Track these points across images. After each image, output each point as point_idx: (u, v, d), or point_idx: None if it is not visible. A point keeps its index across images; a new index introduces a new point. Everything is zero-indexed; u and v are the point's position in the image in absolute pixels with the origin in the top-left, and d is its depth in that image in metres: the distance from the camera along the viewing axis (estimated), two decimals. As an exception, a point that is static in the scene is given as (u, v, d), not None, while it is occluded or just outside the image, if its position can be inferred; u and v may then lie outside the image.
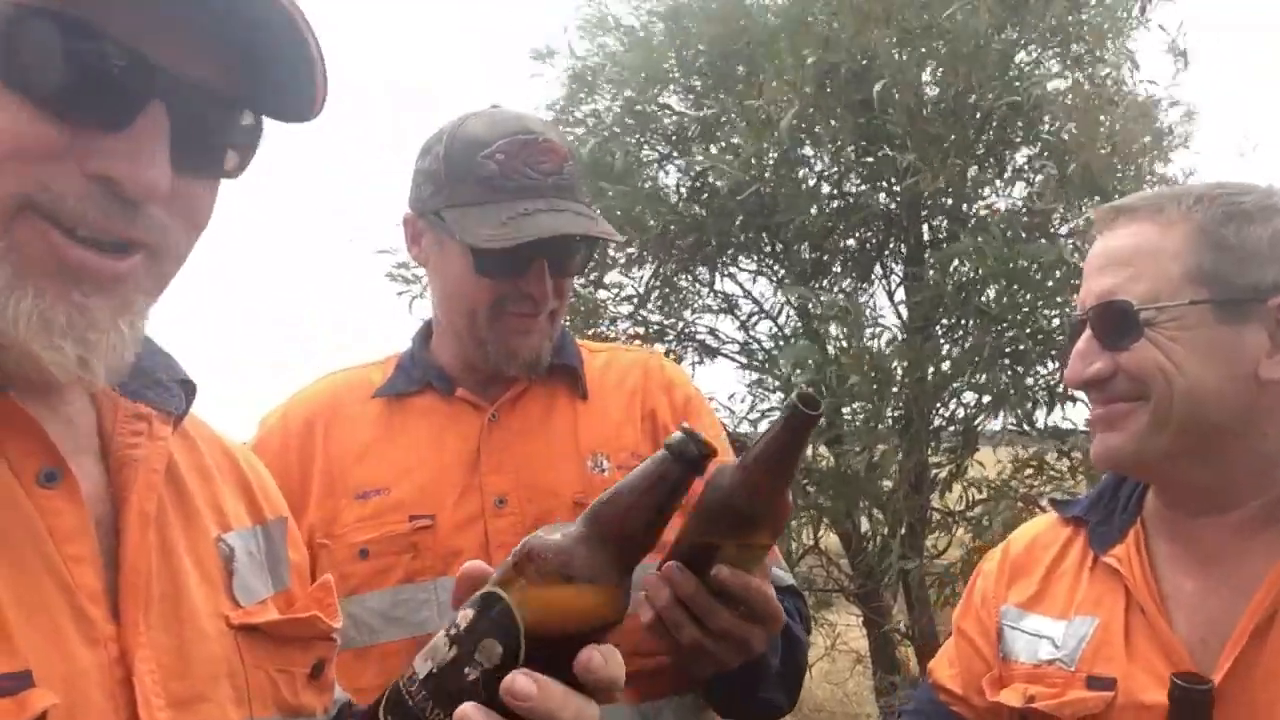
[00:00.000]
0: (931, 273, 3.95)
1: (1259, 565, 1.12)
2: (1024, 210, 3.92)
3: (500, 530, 1.44)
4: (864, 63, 3.80)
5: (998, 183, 4.25)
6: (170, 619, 0.79)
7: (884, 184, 4.13)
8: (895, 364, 3.92)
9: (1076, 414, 4.00)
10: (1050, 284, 3.75)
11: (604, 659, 0.75)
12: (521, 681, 0.71)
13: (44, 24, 0.67)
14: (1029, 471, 4.36)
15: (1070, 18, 3.93)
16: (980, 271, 3.72)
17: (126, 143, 0.69)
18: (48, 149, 0.67)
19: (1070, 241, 3.89)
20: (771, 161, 3.99)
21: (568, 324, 2.03)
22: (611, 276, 4.60)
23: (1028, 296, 3.83)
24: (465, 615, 0.75)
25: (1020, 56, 4.09)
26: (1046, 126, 3.89)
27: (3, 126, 0.67)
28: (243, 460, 1.00)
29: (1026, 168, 4.17)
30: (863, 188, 4.24)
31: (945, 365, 4.08)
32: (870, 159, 3.93)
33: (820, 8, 3.95)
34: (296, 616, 0.91)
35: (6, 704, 0.64)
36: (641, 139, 4.44)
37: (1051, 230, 4.05)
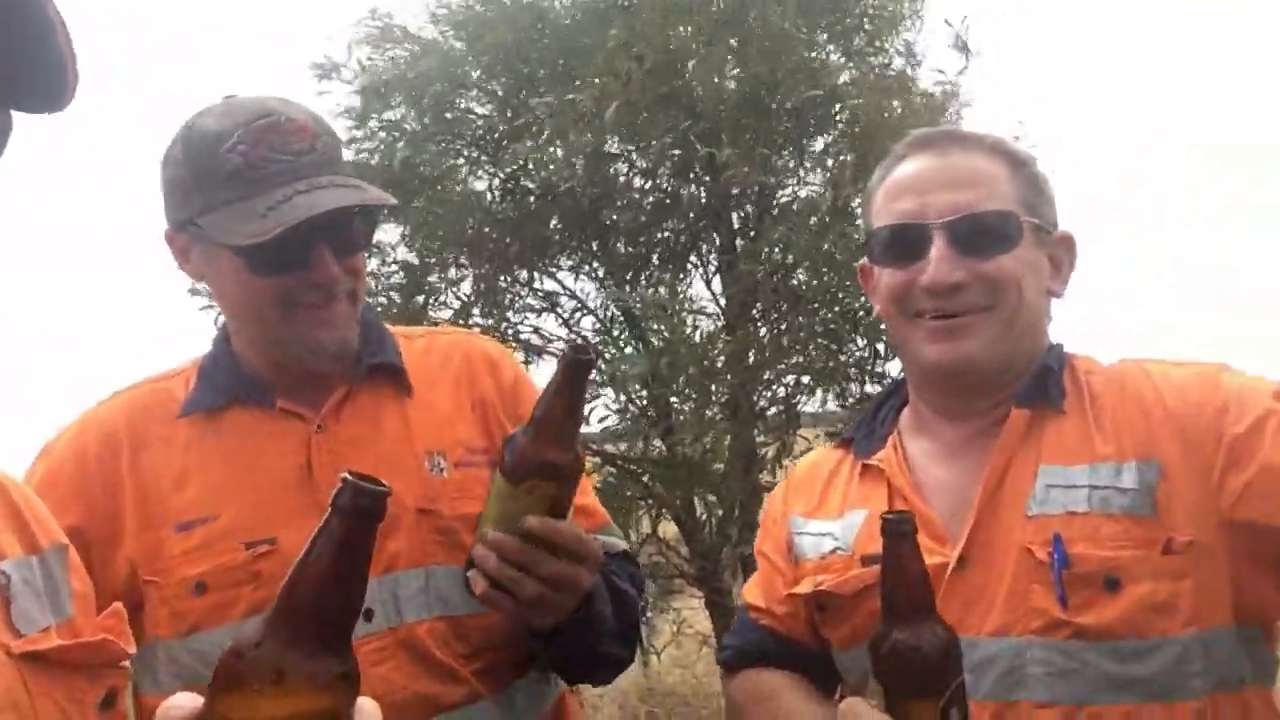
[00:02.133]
0: (743, 262, 4.09)
1: (990, 452, 1.30)
2: (825, 196, 4.11)
3: None
4: (669, 55, 3.88)
5: (800, 171, 4.44)
6: None
7: (695, 177, 4.24)
8: (717, 352, 4.05)
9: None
10: (856, 265, 3.95)
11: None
12: None
13: None
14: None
15: (853, 10, 4.15)
16: (790, 258, 3.87)
17: None
18: None
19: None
20: (583, 160, 4.03)
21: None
22: (430, 278, 4.53)
23: (836, 279, 4.02)
24: None
25: (815, 51, 4.28)
26: (841, 116, 4.08)
27: None
28: (13, 489, 0.95)
29: (826, 156, 4.37)
30: (674, 182, 4.34)
31: (765, 350, 4.23)
32: (677, 152, 4.02)
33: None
34: (85, 641, 0.87)
35: None
36: (448, 145, 4.40)
37: (853, 214, 4.27)
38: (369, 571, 0.73)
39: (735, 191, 4.19)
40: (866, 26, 4.15)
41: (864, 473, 1.40)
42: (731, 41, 4.00)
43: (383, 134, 4.30)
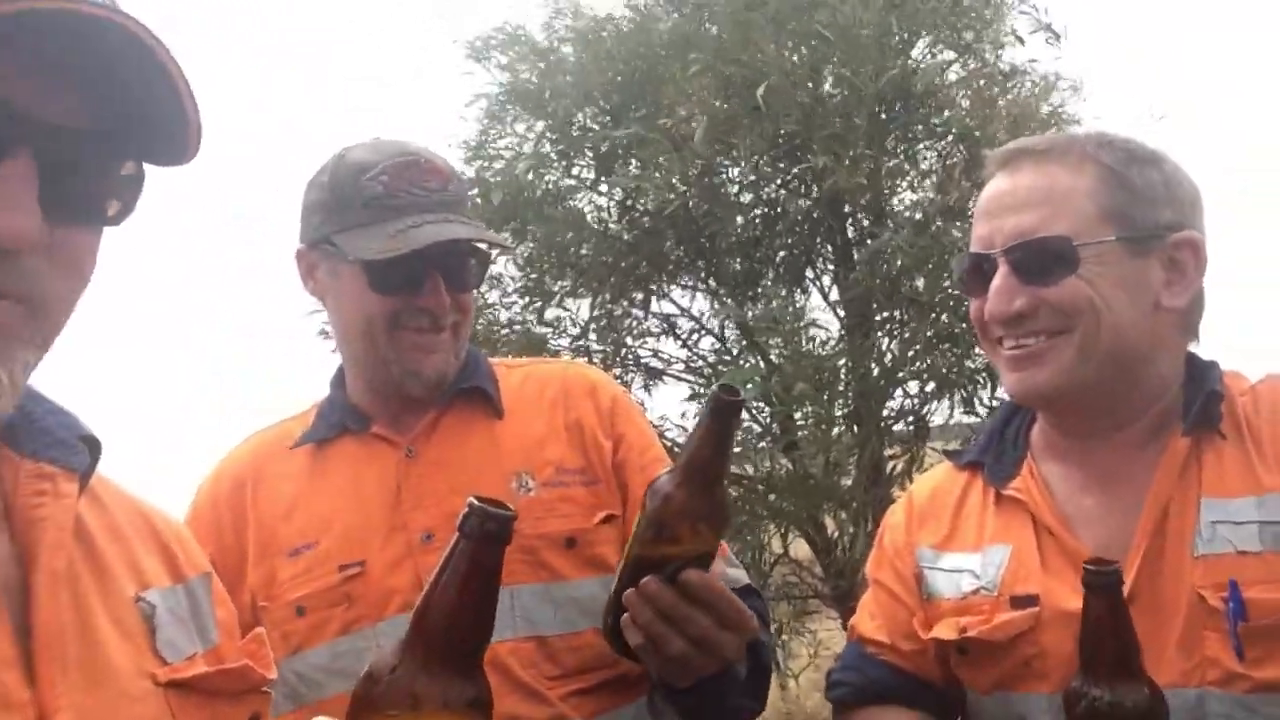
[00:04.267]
0: (856, 271, 4.01)
1: (1147, 476, 1.20)
2: (937, 198, 4.01)
3: (431, 566, 1.41)
4: (759, 69, 3.85)
5: (911, 175, 4.33)
6: (89, 680, 0.77)
7: (803, 188, 4.19)
8: (839, 364, 3.97)
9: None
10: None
11: None
12: None
13: None
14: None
15: (952, 4, 4.04)
16: (900, 262, 3.77)
17: None
18: None
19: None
20: (693, 176, 4.03)
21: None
22: (550, 312, 4.60)
23: (947, 277, 3.90)
24: None
25: (916, 50, 4.19)
26: (945, 114, 3.98)
27: None
28: (158, 519, 0.98)
29: (934, 157, 4.26)
30: (783, 194, 4.30)
31: (887, 358, 4.13)
32: (782, 164, 3.99)
33: (706, 20, 4.01)
34: (227, 668, 0.89)
35: None
36: (566, 164, 4.46)
37: (968, 214, 4.15)
38: (496, 596, 0.74)
39: (846, 200, 4.11)
40: (973, 21, 4.02)
41: (1000, 502, 1.30)
42: (814, 48, 3.94)
43: (507, 152, 4.40)
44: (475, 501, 0.74)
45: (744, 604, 1.24)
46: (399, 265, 1.40)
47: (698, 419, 1.20)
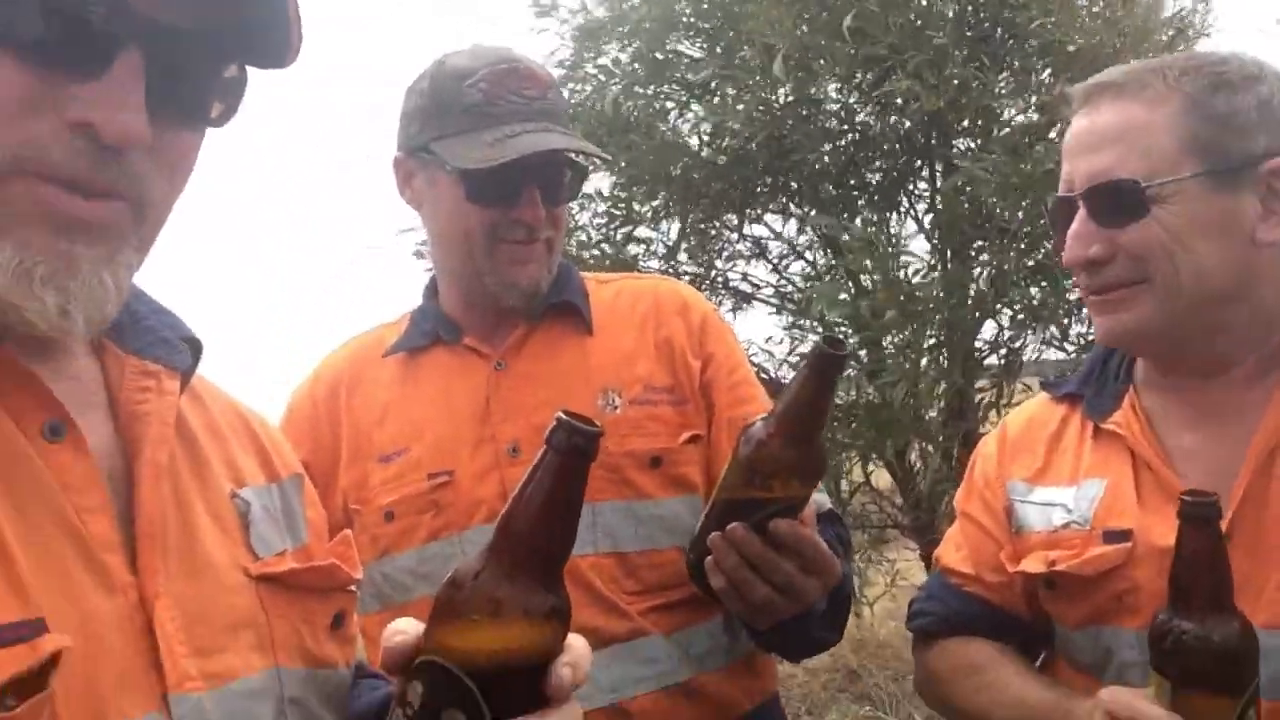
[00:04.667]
0: (939, 196, 3.89)
1: (1256, 413, 1.16)
2: (1040, 120, 3.83)
3: (517, 479, 1.43)
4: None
5: (1020, 98, 4.15)
6: (188, 569, 0.80)
7: (893, 112, 4.06)
8: (931, 292, 3.87)
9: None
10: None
11: (572, 671, 0.74)
12: None
13: None
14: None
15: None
16: (989, 191, 3.63)
17: (103, 89, 0.69)
18: (27, 101, 0.68)
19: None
20: (787, 101, 3.93)
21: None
22: (640, 231, 4.58)
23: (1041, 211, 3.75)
24: (415, 690, 0.72)
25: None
26: (1053, 29, 3.77)
27: None
28: (254, 421, 1.02)
29: (1046, 76, 4.06)
30: (876, 119, 4.16)
31: (974, 289, 4.01)
32: (870, 89, 3.85)
33: None
34: (315, 565, 0.93)
35: (21, 650, 0.66)
36: (658, 89, 4.39)
37: (1054, 134, 3.96)
38: (579, 510, 0.76)
39: (947, 123, 3.97)
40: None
41: (1098, 436, 1.28)
42: None
43: (597, 77, 4.35)
44: (563, 415, 0.75)
45: (829, 549, 1.24)
46: (496, 176, 1.41)
47: (799, 366, 1.18)
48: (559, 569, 0.75)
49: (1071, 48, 3.71)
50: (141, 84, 0.70)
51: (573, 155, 1.50)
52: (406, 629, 0.77)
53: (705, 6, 4.11)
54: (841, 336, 1.14)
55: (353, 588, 0.97)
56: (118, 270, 0.74)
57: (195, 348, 0.91)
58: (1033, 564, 1.27)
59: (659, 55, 4.27)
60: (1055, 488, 1.29)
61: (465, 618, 0.72)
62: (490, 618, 0.71)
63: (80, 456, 0.76)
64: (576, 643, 0.76)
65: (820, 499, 1.50)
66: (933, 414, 4.28)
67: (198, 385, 0.94)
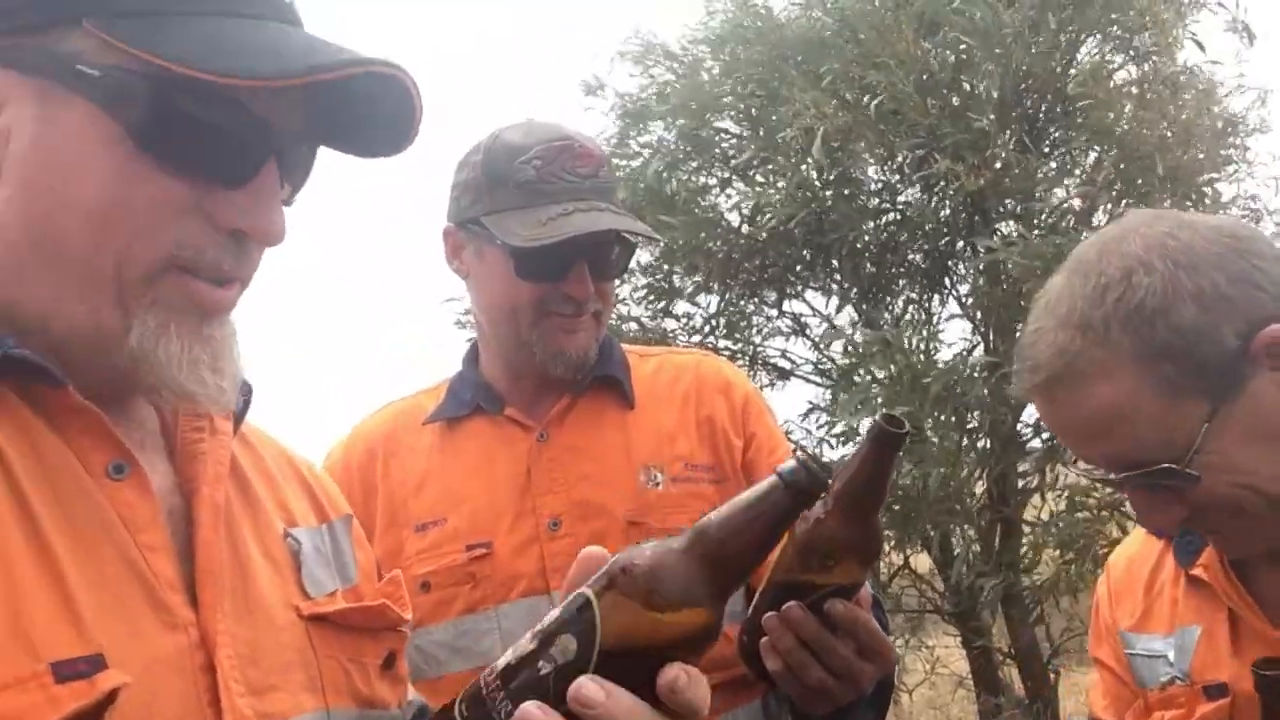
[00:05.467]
0: (981, 277, 3.87)
1: None
2: (1077, 204, 3.83)
3: (556, 553, 1.43)
4: (901, 72, 3.73)
5: (1067, 181, 4.15)
6: (242, 609, 0.80)
7: (934, 193, 4.07)
8: (976, 372, 3.83)
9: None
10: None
11: (688, 680, 0.73)
12: (590, 688, 0.69)
13: (179, 94, 0.73)
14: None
15: (1128, 9, 3.84)
16: (1021, 272, 3.61)
17: (249, 197, 0.76)
18: (183, 206, 0.75)
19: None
20: (827, 180, 3.97)
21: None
22: (679, 306, 4.60)
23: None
24: (553, 614, 0.74)
25: (1083, 52, 4.01)
26: (1105, 117, 3.78)
27: (144, 192, 0.73)
28: (303, 465, 1.02)
29: (1087, 163, 4.07)
30: (918, 197, 4.18)
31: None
32: (910, 169, 3.88)
33: (839, 27, 3.91)
34: (365, 605, 0.92)
35: (81, 685, 0.66)
36: (700, 165, 4.45)
37: (1097, 218, 3.95)
38: (773, 548, 0.77)
39: (988, 205, 3.97)
40: (1149, 24, 3.78)
41: (1190, 583, 1.19)
42: (947, 51, 3.79)
43: (641, 154, 4.41)
44: (800, 453, 0.79)
45: (884, 634, 1.21)
46: (546, 252, 1.41)
47: (858, 446, 1.15)
48: (729, 593, 0.76)
49: (1118, 131, 3.71)
50: (279, 188, 0.78)
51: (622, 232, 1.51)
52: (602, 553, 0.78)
53: (748, 88, 4.18)
54: (900, 415, 1.10)
55: (403, 628, 0.96)
56: (238, 343, 0.82)
57: (245, 391, 0.92)
58: None
59: (701, 133, 4.33)
60: (1156, 636, 1.22)
61: (632, 585, 0.73)
62: (653, 596, 0.72)
63: (144, 495, 0.76)
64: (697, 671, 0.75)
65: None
66: (973, 497, 4.20)
67: (247, 431, 0.95)
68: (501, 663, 0.74)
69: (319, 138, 0.83)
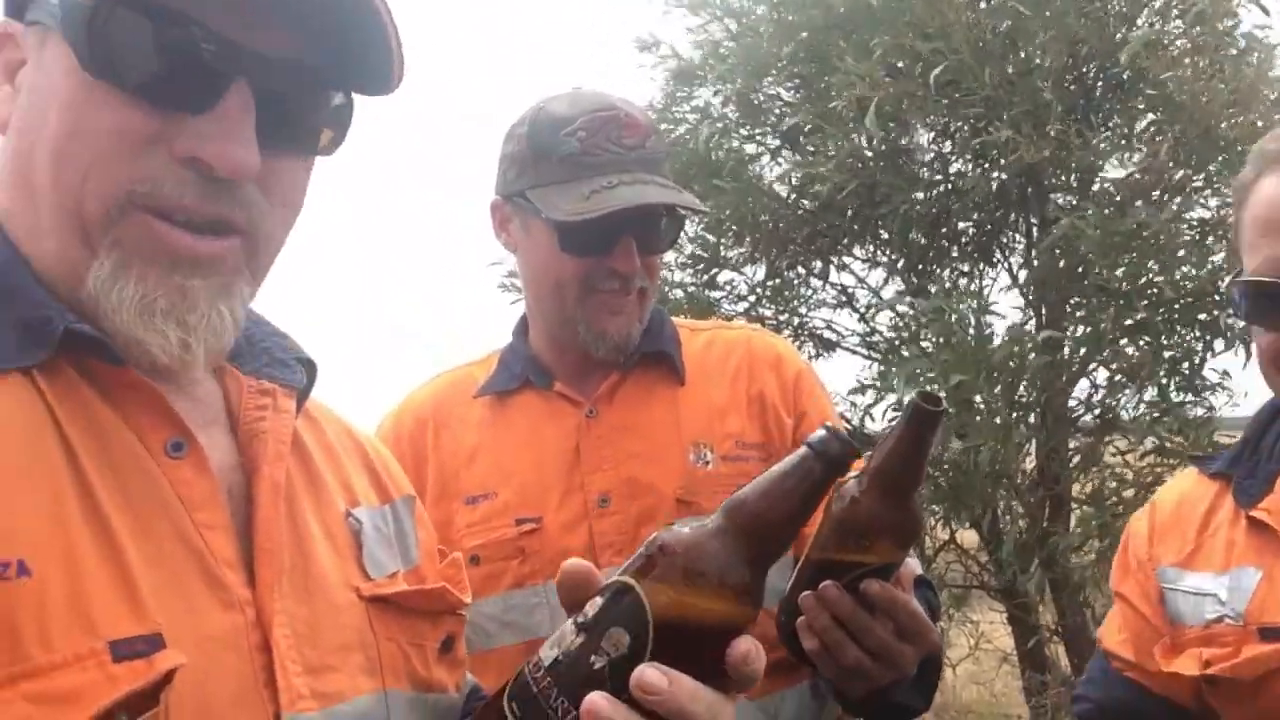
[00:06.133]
0: (1034, 250, 3.79)
1: None
2: (1141, 178, 3.72)
3: (605, 531, 1.43)
4: (951, 44, 3.64)
5: (1125, 153, 4.05)
6: (301, 588, 0.80)
7: (987, 163, 3.99)
8: (1028, 349, 3.77)
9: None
10: (1173, 248, 3.55)
11: (757, 651, 0.73)
12: (652, 675, 0.69)
13: (129, 14, 0.69)
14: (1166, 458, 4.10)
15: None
16: (1091, 248, 3.52)
17: (213, 123, 0.71)
18: (141, 137, 0.70)
19: (1196, 199, 3.71)
20: (877, 151, 3.90)
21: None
22: (724, 275, 4.57)
23: (1150, 265, 3.62)
24: (594, 603, 0.74)
25: (1141, 19, 3.90)
26: (1163, 86, 3.67)
27: (99, 123, 0.70)
28: (367, 443, 1.02)
29: (1147, 132, 3.96)
30: (971, 168, 4.10)
31: (1068, 347, 3.89)
32: (966, 139, 3.80)
33: None
34: (426, 588, 0.92)
35: (139, 665, 0.66)
36: (751, 132, 4.39)
37: (1163, 193, 3.84)
38: (811, 515, 0.77)
39: (1049, 176, 3.89)
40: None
41: (1252, 524, 1.18)
42: (999, 22, 3.70)
43: (692, 116, 4.35)
44: (830, 424, 0.78)
45: (925, 616, 1.19)
46: (591, 226, 1.39)
47: (894, 424, 1.14)
48: (769, 565, 0.76)
49: (1179, 99, 3.60)
50: (251, 116, 0.72)
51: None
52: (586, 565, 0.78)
53: (800, 53, 4.10)
54: (938, 392, 1.07)
55: (462, 611, 0.96)
56: (233, 302, 0.76)
57: (310, 368, 0.92)
58: (1187, 664, 1.17)
59: (752, 99, 4.26)
60: (1207, 574, 1.19)
61: (673, 569, 0.73)
62: (698, 579, 0.72)
63: (202, 473, 0.76)
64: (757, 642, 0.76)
65: (912, 563, 1.45)
66: (1023, 474, 4.15)
67: (312, 407, 0.94)
68: (548, 657, 0.74)
69: (314, 71, 0.77)
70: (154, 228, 0.71)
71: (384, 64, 0.78)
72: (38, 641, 0.63)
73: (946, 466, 4.24)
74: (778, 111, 4.30)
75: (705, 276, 4.50)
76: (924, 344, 3.94)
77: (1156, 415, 3.90)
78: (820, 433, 0.76)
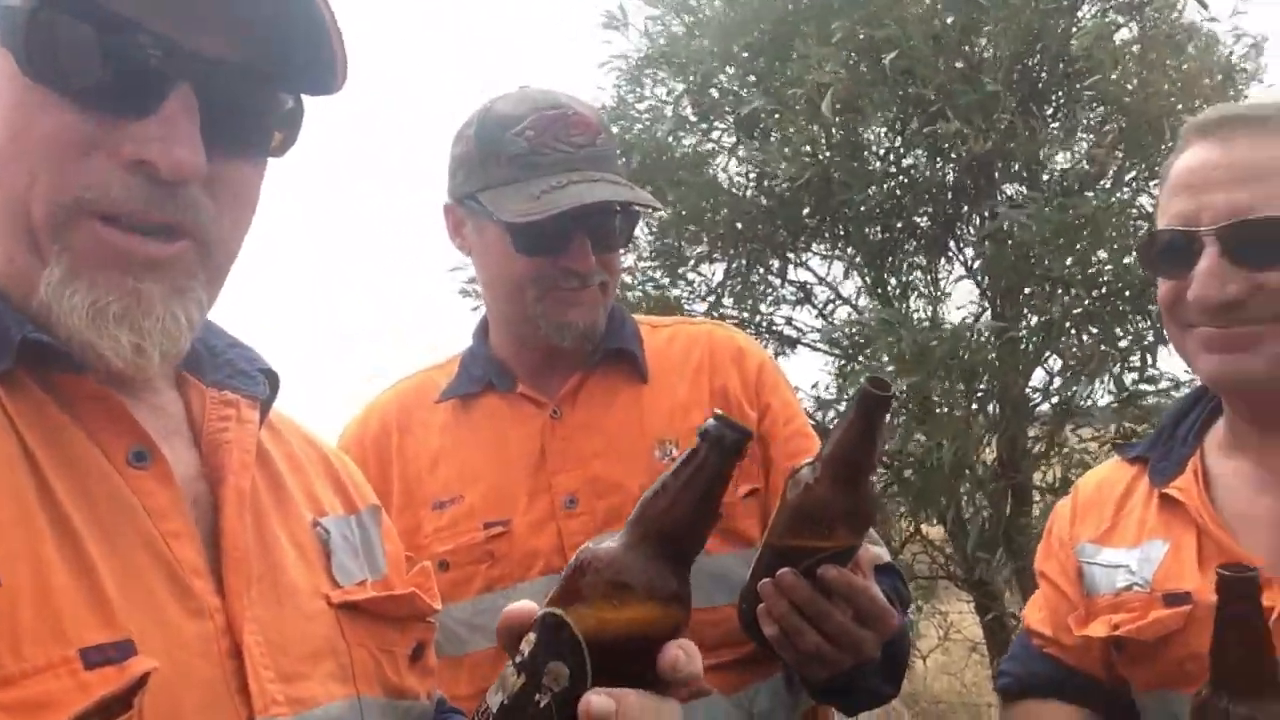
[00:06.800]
0: (987, 242, 3.85)
1: None
2: (1085, 168, 3.80)
3: (573, 531, 1.42)
4: (905, 33, 3.69)
5: (1071, 144, 4.12)
6: (271, 596, 0.80)
7: (940, 156, 4.04)
8: (982, 339, 3.82)
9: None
10: (1121, 237, 3.62)
11: (686, 656, 0.74)
12: (598, 701, 0.70)
13: (67, 18, 0.69)
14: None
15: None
16: (1031, 238, 3.59)
17: (157, 126, 0.70)
18: (84, 142, 0.70)
19: (1141, 189, 3.79)
20: (832, 143, 3.93)
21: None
22: (687, 272, 4.57)
23: (1099, 254, 3.69)
24: (529, 640, 0.74)
25: (1084, 11, 3.97)
26: (1109, 78, 3.74)
27: (41, 128, 0.69)
28: (330, 453, 1.02)
29: (1089, 123, 4.04)
30: (924, 161, 4.14)
31: (1023, 335, 3.95)
32: (925, 131, 3.85)
33: None
34: (395, 594, 0.92)
35: (110, 671, 0.66)
36: (709, 128, 4.40)
37: (1109, 183, 3.92)
38: (720, 505, 0.77)
39: (996, 168, 3.94)
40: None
41: (1163, 500, 1.25)
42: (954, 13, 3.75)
43: (646, 116, 4.36)
44: (719, 412, 0.78)
45: (885, 600, 1.20)
46: (544, 227, 1.38)
47: (844, 410, 1.15)
48: (691, 560, 0.76)
49: (1124, 88, 3.68)
50: (195, 118, 0.72)
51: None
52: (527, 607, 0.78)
53: (760, 43, 4.11)
54: (889, 378, 1.10)
55: (432, 619, 0.97)
56: (188, 305, 0.75)
57: (272, 379, 0.91)
58: (1098, 628, 1.24)
59: (711, 91, 4.27)
60: (1120, 549, 1.26)
61: (595, 589, 0.73)
62: (620, 593, 0.72)
63: (165, 482, 0.76)
64: (688, 645, 0.76)
65: (879, 551, 1.45)
66: (984, 465, 4.20)
67: (274, 418, 0.94)
68: (494, 703, 0.74)
69: (259, 72, 0.77)
70: (102, 233, 0.71)
71: (327, 65, 0.78)
72: (9, 650, 0.63)
73: (911, 459, 4.28)
74: (733, 102, 4.30)
75: (668, 275, 4.50)
76: (882, 354, 3.98)
77: (1118, 405, 3.97)
78: (710, 421, 0.76)
